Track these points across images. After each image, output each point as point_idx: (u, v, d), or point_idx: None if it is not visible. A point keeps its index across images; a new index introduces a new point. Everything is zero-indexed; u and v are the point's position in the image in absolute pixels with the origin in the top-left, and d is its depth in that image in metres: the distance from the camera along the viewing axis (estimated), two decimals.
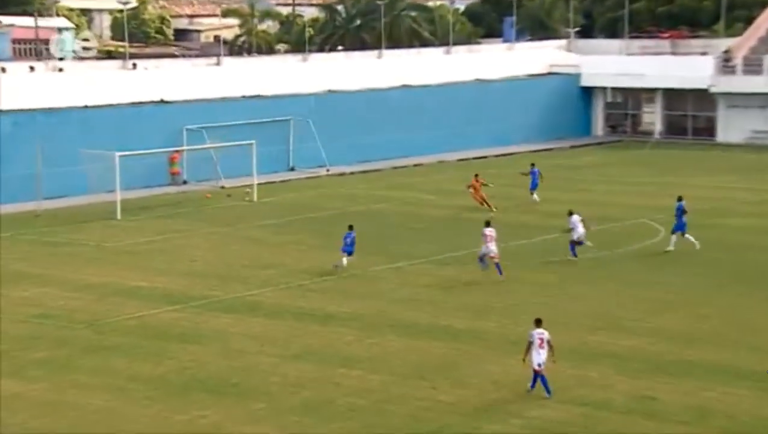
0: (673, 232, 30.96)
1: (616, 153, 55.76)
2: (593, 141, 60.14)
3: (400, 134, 53.26)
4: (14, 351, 22.12)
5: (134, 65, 48.26)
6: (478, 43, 70.80)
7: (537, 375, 19.39)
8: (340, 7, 75.55)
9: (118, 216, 37.41)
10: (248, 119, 46.88)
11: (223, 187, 43.98)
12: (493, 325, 23.69)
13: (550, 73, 62.33)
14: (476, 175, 38.83)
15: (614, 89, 62.59)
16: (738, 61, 58.17)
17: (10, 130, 41.00)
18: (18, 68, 45.21)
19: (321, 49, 68.88)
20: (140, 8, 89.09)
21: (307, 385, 20.16)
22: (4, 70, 43.43)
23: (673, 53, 62.58)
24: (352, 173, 48.92)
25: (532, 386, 19.51)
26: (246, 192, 41.77)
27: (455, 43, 62.59)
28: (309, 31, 70.06)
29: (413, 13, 74.24)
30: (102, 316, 24.86)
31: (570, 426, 18.28)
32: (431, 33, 73.11)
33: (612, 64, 61.07)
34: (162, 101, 46.18)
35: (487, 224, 28.62)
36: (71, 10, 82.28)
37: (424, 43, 68.81)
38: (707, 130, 59.66)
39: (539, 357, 19.34)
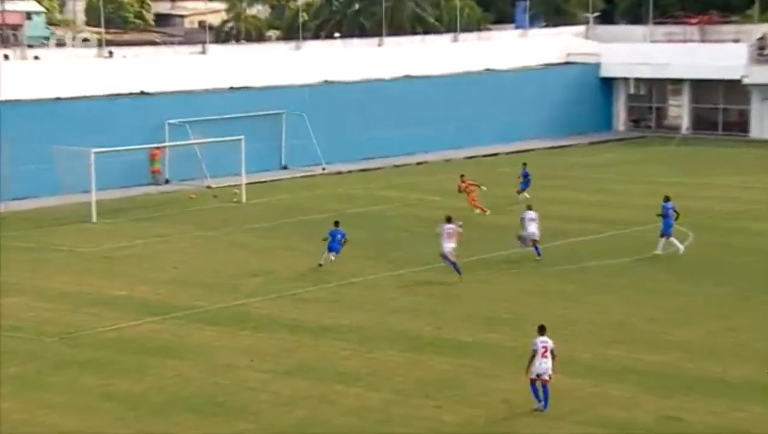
0: (661, 235, 31.29)
1: (638, 150, 55.82)
2: (614, 137, 60.23)
3: (402, 130, 53.34)
4: None
5: (111, 53, 48.35)
6: (488, 29, 70.93)
7: (534, 384, 19.52)
8: None
9: (94, 219, 37.47)
10: (236, 112, 46.96)
11: (208, 187, 44.04)
12: (504, 338, 23.73)
13: (566, 63, 62.42)
14: (462, 176, 38.71)
15: (637, 80, 62.72)
16: None
17: None
18: None
19: (316, 36, 68.99)
20: None
21: (301, 404, 20.19)
22: None
23: (702, 40, 62.65)
24: (350, 172, 48.98)
25: (538, 399, 19.58)
26: (234, 193, 41.83)
27: (463, 30, 62.74)
28: (303, 17, 70.15)
29: None
30: (76, 328, 24.91)
31: None
32: (436, 19, 73.23)
33: (635, 52, 61.17)
34: (141, 93, 46.27)
35: (448, 219, 28.50)
36: None
37: (429, 30, 68.94)
38: (739, 125, 59.72)
39: (542, 366, 19.47)
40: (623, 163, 51.10)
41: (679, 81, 60.99)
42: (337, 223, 30.64)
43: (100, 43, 48.84)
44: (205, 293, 28.01)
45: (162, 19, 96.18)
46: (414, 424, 19.24)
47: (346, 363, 22.39)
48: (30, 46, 47.26)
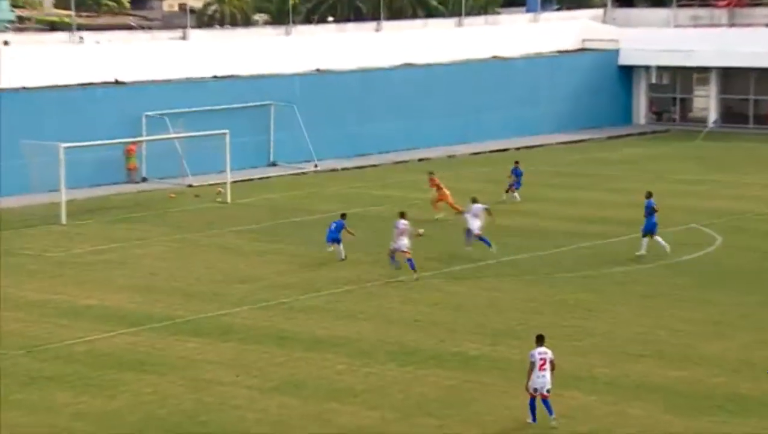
0: (643, 234, 31.52)
1: (661, 145, 55.83)
2: (634, 131, 60.27)
3: (402, 123, 53.33)
4: None
5: (82, 39, 48.25)
6: (497, 13, 70.93)
7: (534, 400, 19.56)
8: None
9: (63, 220, 37.41)
10: (220, 104, 46.93)
11: (190, 186, 43.99)
12: (514, 351, 23.66)
13: (582, 50, 62.44)
14: (431, 173, 38.53)
15: (660, 69, 62.70)
16: None
17: None
18: None
19: (307, 21, 68.98)
20: None
21: (291, 423, 20.11)
22: None
23: (732, 25, 62.66)
24: (344, 170, 48.95)
25: (534, 417, 19.59)
26: (218, 192, 41.79)
27: (469, 14, 62.68)
28: None
29: None
30: (43, 340, 24.82)
31: None
32: (440, 2, 73.22)
33: (657, 38, 61.17)
34: (116, 82, 46.22)
35: (402, 215, 30.25)
36: None
37: (431, 14, 68.92)
38: None
39: (540, 380, 19.54)
40: (644, 159, 51.11)
41: (705, 69, 60.98)
42: (344, 216, 31.34)
43: (70, 28, 48.70)
44: (186, 301, 27.95)
45: (138, 1, 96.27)
46: None
47: (341, 378, 22.32)
48: None
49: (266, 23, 70.83)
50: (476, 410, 20.63)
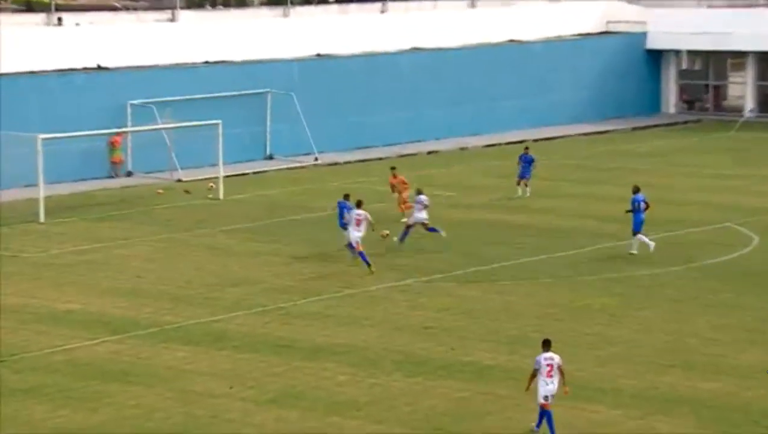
0: (635, 232, 32.08)
1: (692, 136, 55.81)
2: (662, 121, 60.24)
3: (409, 112, 53.35)
4: None
5: (60, 20, 48.29)
6: None
7: (543, 411, 19.62)
8: None
9: (42, 218, 37.48)
10: (212, 91, 46.97)
11: (179, 180, 44.05)
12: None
13: (606, 33, 62.39)
14: (393, 168, 38.38)
15: (691, 53, 62.65)
16: None
17: None
18: None
19: (307, 1, 68.90)
20: None
21: None
22: None
23: None
24: (347, 163, 49.00)
25: (537, 426, 19.74)
26: (209, 187, 41.84)
27: None
28: None
29: None
30: (19, 349, 24.86)
31: None
32: None
33: (688, 19, 61.08)
34: (98, 68, 46.29)
35: (359, 204, 30.99)
36: None
37: None
38: None
39: (547, 387, 19.64)
40: (673, 152, 51.08)
41: (741, 54, 60.91)
42: (347, 196, 31.89)
43: (47, 8, 48.78)
44: (175, 306, 27.99)
45: None
46: None
47: (343, 389, 22.35)
48: None
49: (262, 4, 70.73)
50: (490, 424, 20.64)
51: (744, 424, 20.68)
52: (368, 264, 30.31)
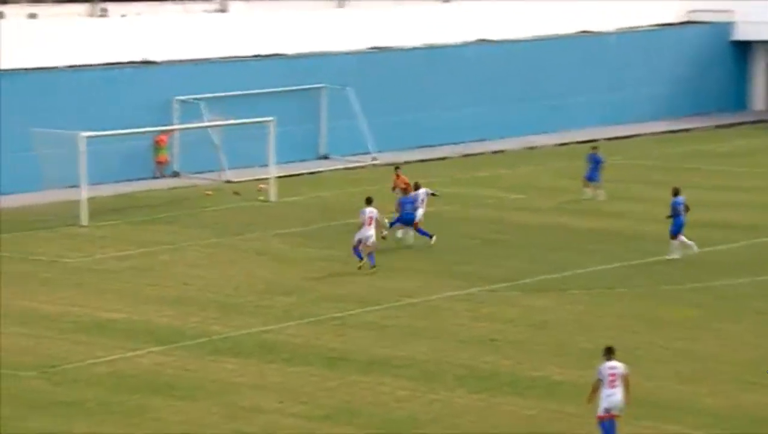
0: (673, 235, 32.17)
1: None
2: (749, 118, 59.61)
3: (473, 109, 53.24)
4: None
5: (105, 11, 48.73)
6: None
7: (603, 422, 19.52)
8: None
9: (84, 221, 37.82)
10: (264, 87, 47.15)
11: (228, 181, 44.27)
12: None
13: (687, 23, 61.82)
14: (397, 168, 38.27)
15: None
16: None
17: None
18: None
19: None
20: None
21: None
22: None
23: None
24: (406, 163, 48.93)
25: None
26: (260, 189, 42.02)
27: None
28: None
29: None
30: (59, 360, 25.07)
31: None
32: None
33: None
34: (144, 62, 46.63)
35: (368, 201, 31.99)
36: None
37: None
38: None
39: (609, 399, 19.52)
40: (760, 152, 50.55)
41: None
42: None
43: None
44: (223, 315, 28.10)
45: None
46: None
47: (402, 405, 22.31)
48: (4, 2, 47.67)
49: None
50: None
51: None
52: (360, 258, 31.27)
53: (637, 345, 25.32)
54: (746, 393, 22.79)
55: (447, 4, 57.06)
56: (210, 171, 44.81)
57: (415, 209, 34.20)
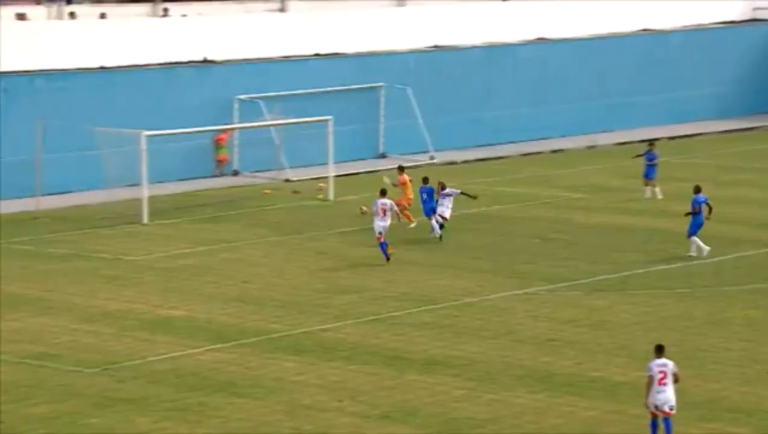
0: (691, 234, 32.13)
1: None
2: None
3: (533, 108, 53.05)
4: (2, 403, 22.62)
5: (166, 11, 49.10)
6: None
7: (655, 421, 19.45)
8: None
9: (145, 219, 38.15)
10: (323, 86, 47.28)
11: (287, 180, 44.44)
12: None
13: (753, 20, 61.13)
14: (400, 168, 38.08)
15: None
16: None
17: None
18: (6, 14, 46.18)
19: None
20: None
21: None
22: None
23: None
24: (465, 162, 48.91)
25: None
26: (319, 188, 42.13)
27: None
28: None
29: None
30: (121, 357, 25.33)
31: None
32: None
33: None
34: (205, 62, 46.92)
35: (383, 193, 33.10)
36: None
37: None
38: None
39: (660, 396, 19.52)
40: None
41: None
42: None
43: None
44: (283, 314, 28.25)
45: None
46: None
47: (461, 405, 22.31)
48: (69, 2, 48.11)
49: None
50: None
51: None
52: (387, 258, 31.78)
53: (701, 347, 25.16)
54: None
55: (506, 3, 56.89)
56: (269, 170, 45.01)
57: (439, 204, 34.94)
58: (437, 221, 34.79)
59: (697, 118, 56.36)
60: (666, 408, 19.64)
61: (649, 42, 57.28)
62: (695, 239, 32.31)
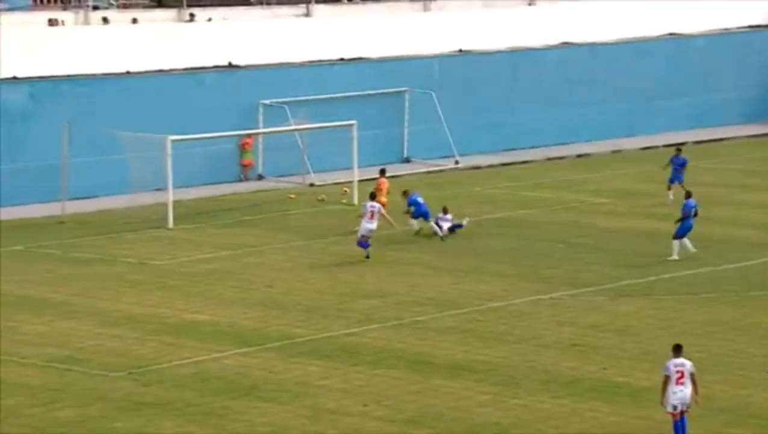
0: (678, 236, 32.37)
1: None
2: None
3: (557, 112, 52.97)
4: (28, 407, 22.79)
5: (192, 16, 49.27)
6: None
7: (677, 422, 19.46)
8: None
9: (170, 224, 38.26)
10: (347, 91, 47.34)
11: (312, 185, 44.50)
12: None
13: None
14: (382, 171, 38.16)
15: None
16: None
17: (26, 104, 42.28)
18: (36, 20, 46.47)
19: None
20: None
21: None
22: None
23: None
24: (490, 167, 48.87)
25: None
26: (343, 192, 42.15)
27: None
28: None
29: None
30: (146, 361, 25.42)
31: None
32: None
33: None
34: (230, 66, 47.04)
35: (371, 196, 34.35)
36: None
37: None
38: None
39: (676, 396, 19.50)
40: None
41: None
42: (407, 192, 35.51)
43: (179, 4, 49.76)
44: (307, 318, 28.29)
45: None
46: None
47: (485, 410, 22.29)
48: (95, 8, 48.33)
49: None
50: None
51: None
52: (367, 256, 32.84)
53: (726, 352, 25.05)
54: None
55: (531, 7, 56.84)
56: (294, 174, 45.08)
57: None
58: (436, 223, 35.38)
59: (722, 122, 56.16)
60: (684, 408, 19.63)
61: (675, 46, 57.11)
62: (683, 241, 32.35)
